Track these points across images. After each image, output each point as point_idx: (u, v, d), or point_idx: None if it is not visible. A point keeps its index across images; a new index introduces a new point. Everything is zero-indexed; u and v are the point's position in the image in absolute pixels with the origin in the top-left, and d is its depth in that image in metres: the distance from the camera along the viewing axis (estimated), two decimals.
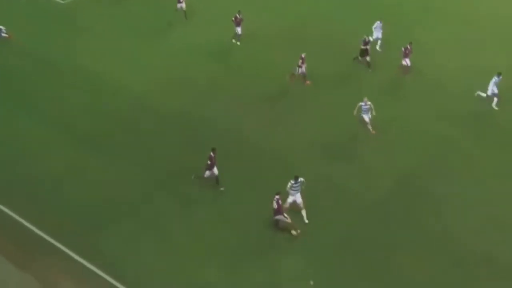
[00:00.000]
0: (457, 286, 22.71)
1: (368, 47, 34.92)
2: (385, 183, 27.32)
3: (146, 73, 35.00)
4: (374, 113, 29.81)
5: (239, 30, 37.22)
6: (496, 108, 32.09)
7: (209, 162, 25.92)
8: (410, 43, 34.46)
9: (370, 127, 30.00)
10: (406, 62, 34.51)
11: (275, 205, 23.62)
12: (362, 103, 29.72)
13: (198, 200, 26.32)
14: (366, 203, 26.18)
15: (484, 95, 32.19)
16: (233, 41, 37.61)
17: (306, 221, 24.49)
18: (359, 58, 35.30)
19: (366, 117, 29.89)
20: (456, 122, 31.46)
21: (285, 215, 23.80)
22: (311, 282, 22.47)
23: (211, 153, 25.89)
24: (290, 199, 24.46)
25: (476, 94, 32.51)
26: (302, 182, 24.35)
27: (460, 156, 29.31)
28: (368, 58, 34.98)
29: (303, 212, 24.59)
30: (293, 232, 24.05)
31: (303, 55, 33.47)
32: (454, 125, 31.18)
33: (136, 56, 36.59)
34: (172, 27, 39.67)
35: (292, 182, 24.21)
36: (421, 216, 25.66)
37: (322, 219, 25.08)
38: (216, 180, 26.32)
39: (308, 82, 33.98)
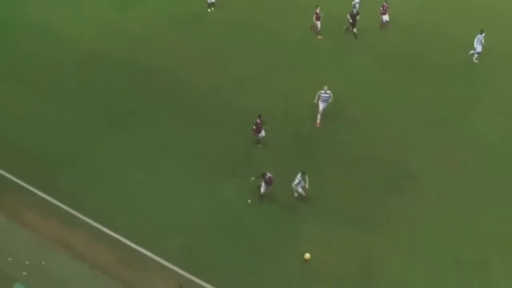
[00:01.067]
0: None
1: (356, 18, 35.83)
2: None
3: (96, 23, 37.58)
4: (331, 100, 29.31)
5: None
6: (476, 62, 34.51)
7: (254, 127, 27.98)
8: (386, 1, 37.00)
9: (319, 117, 29.66)
10: (385, 18, 37.19)
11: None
12: (322, 91, 29.10)
13: (146, 138, 29.27)
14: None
15: (477, 54, 34.29)
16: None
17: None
18: (351, 28, 36.30)
19: (321, 107, 29.38)
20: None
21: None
22: (249, 201, 25.79)
23: (258, 120, 27.87)
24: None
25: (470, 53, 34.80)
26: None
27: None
28: (355, 30, 35.99)
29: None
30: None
31: (317, 10, 35.98)
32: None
33: (85, 8, 39.29)
34: None
35: (299, 177, 25.32)
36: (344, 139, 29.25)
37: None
38: (259, 140, 28.61)
39: (320, 37, 36.32)
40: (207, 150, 28.55)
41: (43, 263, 23.38)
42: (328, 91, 29.14)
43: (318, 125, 29.81)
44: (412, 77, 33.63)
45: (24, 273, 22.87)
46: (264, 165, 26.68)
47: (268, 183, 25.37)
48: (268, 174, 25.26)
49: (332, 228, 24.81)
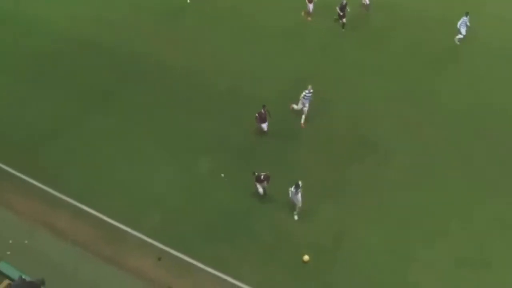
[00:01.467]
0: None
1: (345, 10, 36.16)
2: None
3: (76, 11, 38.23)
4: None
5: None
6: (458, 43, 35.27)
7: (257, 115, 28.06)
8: None
9: (303, 118, 29.49)
10: (366, 1, 38.17)
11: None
12: (306, 91, 28.91)
13: (123, 118, 30.19)
14: None
15: (461, 36, 34.94)
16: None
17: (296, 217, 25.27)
18: (340, 19, 36.67)
19: (306, 107, 29.16)
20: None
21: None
22: (222, 175, 26.74)
23: (262, 110, 27.92)
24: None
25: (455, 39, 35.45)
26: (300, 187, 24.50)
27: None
28: (344, 20, 36.36)
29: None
30: None
31: None
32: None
33: None
34: None
35: (292, 189, 24.61)
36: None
37: None
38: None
39: (309, 18, 37.18)
40: (182, 129, 29.47)
41: (26, 242, 24.26)
42: (312, 90, 28.95)
43: (303, 126, 29.49)
44: (385, 54, 34.66)
45: (8, 252, 23.69)
46: (239, 143, 27.83)
47: (259, 180, 25.41)
48: (258, 174, 25.29)
49: (303, 201, 25.82)
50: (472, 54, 34.77)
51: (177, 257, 23.80)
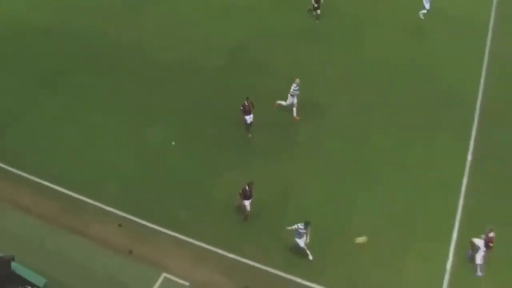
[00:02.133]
0: None
1: (319, 1, 36.53)
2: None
3: None
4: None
5: None
6: (422, 18, 36.71)
7: (241, 108, 28.02)
8: None
9: (295, 110, 29.55)
10: None
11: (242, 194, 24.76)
12: (294, 85, 29.03)
13: (76, 95, 31.57)
14: None
15: (425, 11, 36.36)
16: None
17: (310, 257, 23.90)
18: (313, 11, 37.03)
19: (295, 100, 29.28)
20: None
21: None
22: (173, 143, 28.44)
23: (245, 102, 27.87)
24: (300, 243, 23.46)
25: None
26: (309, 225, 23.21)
27: None
28: (318, 11, 36.73)
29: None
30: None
31: None
32: None
33: None
34: None
35: (301, 226, 23.04)
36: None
37: None
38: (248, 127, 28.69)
39: None
40: (133, 101, 31.01)
41: None
42: (299, 83, 29.01)
43: (297, 118, 29.64)
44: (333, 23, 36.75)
45: None
46: (188, 112, 29.56)
47: (248, 195, 24.77)
48: (243, 188, 24.63)
49: (250, 163, 27.68)
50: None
51: (136, 222, 25.50)
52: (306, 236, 23.17)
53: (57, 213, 25.92)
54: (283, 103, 29.65)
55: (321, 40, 35.53)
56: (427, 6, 36.25)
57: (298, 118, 29.71)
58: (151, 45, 34.68)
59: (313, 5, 36.95)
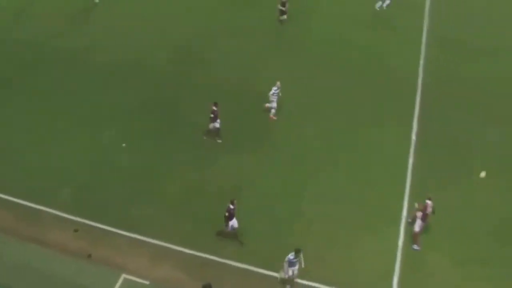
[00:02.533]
0: None
1: (286, 5, 36.37)
2: None
3: None
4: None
5: None
6: (378, 9, 37.93)
7: (212, 115, 27.97)
8: None
9: (273, 112, 29.99)
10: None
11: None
12: (275, 87, 29.47)
13: (20, 102, 31.45)
14: None
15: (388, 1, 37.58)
16: None
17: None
18: (280, 16, 36.79)
19: (274, 104, 29.74)
20: None
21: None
22: (123, 145, 28.63)
23: (213, 107, 27.90)
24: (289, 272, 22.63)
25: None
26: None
27: None
28: (285, 16, 36.47)
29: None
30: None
31: None
32: None
33: None
34: None
35: (291, 257, 22.27)
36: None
37: None
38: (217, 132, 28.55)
39: None
40: (81, 104, 31.02)
41: None
42: (279, 86, 29.61)
43: (273, 118, 30.04)
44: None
45: None
46: (137, 112, 29.72)
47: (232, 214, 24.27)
48: (228, 208, 24.13)
49: (202, 157, 28.13)
50: None
51: (92, 226, 25.55)
52: (300, 263, 22.48)
53: (13, 224, 25.70)
54: (268, 105, 29.93)
55: (267, 35, 36.20)
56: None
57: (274, 118, 30.07)
58: (99, 47, 34.81)
59: (279, 9, 36.56)
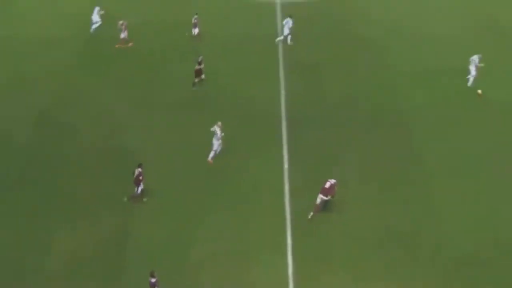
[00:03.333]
0: None
1: (201, 66, 34.88)
2: None
3: None
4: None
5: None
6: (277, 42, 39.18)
7: (140, 178, 26.89)
8: (196, 14, 39.43)
9: (212, 155, 29.77)
10: (195, 31, 39.74)
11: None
12: (217, 128, 29.43)
13: None
14: None
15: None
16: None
17: None
18: (195, 80, 35.13)
19: (217, 144, 29.67)
20: None
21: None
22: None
23: (139, 168, 26.74)
24: None
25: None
26: None
27: None
28: (203, 76, 34.90)
29: None
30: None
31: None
32: None
33: None
34: None
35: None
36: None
37: None
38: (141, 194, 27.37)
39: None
40: None
41: None
42: (221, 127, 29.51)
43: (210, 162, 29.80)
44: None
45: None
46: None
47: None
48: None
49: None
50: None
51: None
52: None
53: None
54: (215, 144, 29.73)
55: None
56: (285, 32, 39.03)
57: (211, 162, 29.80)
58: None
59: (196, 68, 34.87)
